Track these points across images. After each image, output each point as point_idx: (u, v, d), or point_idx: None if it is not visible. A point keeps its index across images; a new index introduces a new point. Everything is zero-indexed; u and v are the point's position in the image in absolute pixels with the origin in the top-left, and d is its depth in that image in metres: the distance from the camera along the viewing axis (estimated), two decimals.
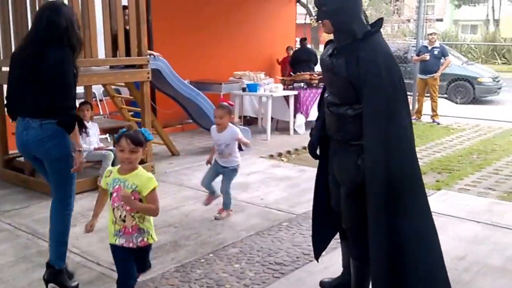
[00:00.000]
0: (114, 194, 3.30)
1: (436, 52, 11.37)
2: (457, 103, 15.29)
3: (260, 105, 10.36)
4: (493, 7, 38.94)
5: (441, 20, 41.74)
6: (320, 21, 3.13)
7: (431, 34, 11.79)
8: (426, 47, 11.53)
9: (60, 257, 3.75)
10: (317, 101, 10.10)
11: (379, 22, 3.14)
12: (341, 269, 3.74)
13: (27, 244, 4.67)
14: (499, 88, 16.23)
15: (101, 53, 6.38)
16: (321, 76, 10.49)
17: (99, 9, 6.25)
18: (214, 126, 5.23)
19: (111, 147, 6.65)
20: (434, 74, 11.33)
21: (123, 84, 7.71)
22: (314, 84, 10.36)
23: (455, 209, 5.54)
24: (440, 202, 5.78)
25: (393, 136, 2.99)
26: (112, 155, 6.25)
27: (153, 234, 3.38)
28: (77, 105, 6.69)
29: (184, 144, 8.62)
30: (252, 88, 9.65)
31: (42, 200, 5.81)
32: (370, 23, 3.15)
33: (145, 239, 3.33)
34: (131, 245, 3.31)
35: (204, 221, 5.20)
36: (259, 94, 9.75)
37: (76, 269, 4.15)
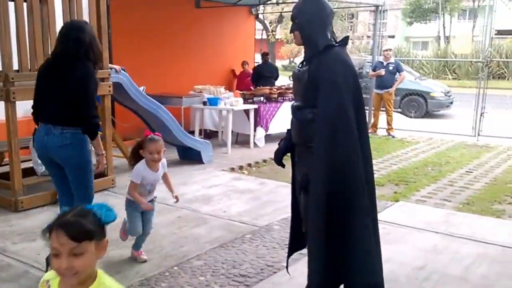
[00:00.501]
0: None
1: (391, 68, 11.65)
2: (411, 117, 15.66)
3: (220, 119, 10.42)
4: (444, 25, 40.08)
5: (393, 36, 42.74)
6: (291, 33, 3.38)
7: (386, 50, 12.08)
8: (382, 62, 11.81)
9: None
10: (276, 114, 10.25)
11: (345, 39, 3.41)
12: (306, 281, 3.79)
13: None
14: (451, 103, 16.74)
15: None
16: (280, 91, 10.64)
17: (60, 22, 6.19)
18: (144, 165, 4.23)
19: None
20: (390, 89, 11.62)
21: None
22: (274, 98, 10.47)
23: (414, 220, 5.67)
24: (399, 213, 5.92)
25: (339, 143, 3.11)
26: None
27: None
28: None
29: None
30: (213, 102, 9.70)
31: (1, 214, 5.72)
32: (337, 40, 3.37)
33: None
34: None
35: (167, 234, 5.20)
36: (220, 108, 9.81)
37: (38, 284, 4.04)
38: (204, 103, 9.86)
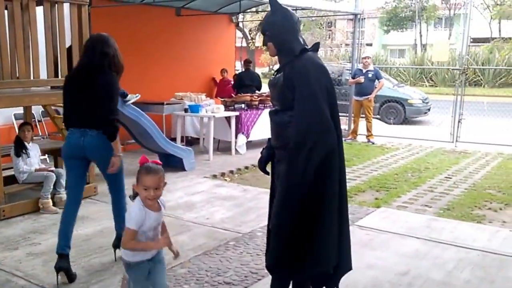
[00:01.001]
0: None
1: (370, 75, 11.76)
2: (390, 123, 15.81)
3: (201, 126, 10.41)
4: (420, 33, 40.55)
5: (370, 44, 43.16)
6: (264, 45, 3.51)
7: (365, 57, 12.17)
8: (361, 70, 11.91)
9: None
10: (258, 121, 10.26)
11: (316, 45, 3.56)
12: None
13: None
14: (428, 109, 16.92)
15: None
16: (261, 98, 10.67)
17: (41, 30, 6.17)
18: (140, 205, 3.18)
19: (53, 168, 6.54)
20: (369, 96, 11.73)
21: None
22: (255, 105, 10.50)
23: (395, 226, 5.73)
24: (380, 219, 5.97)
25: (317, 144, 3.21)
26: (54, 177, 6.15)
27: None
28: (17, 126, 6.59)
29: (127, 164, 8.29)
30: (194, 109, 9.70)
31: None
32: (308, 46, 3.51)
33: None
34: None
35: None
36: (202, 115, 9.81)
37: None
38: (186, 110, 9.85)
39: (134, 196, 3.23)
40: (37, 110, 8.55)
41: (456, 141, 11.60)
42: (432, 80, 31.49)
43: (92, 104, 4.28)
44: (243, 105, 10.25)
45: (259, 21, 20.53)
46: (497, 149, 10.99)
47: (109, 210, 6.00)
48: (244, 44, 29.82)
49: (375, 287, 4.21)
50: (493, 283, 4.33)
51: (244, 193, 7.07)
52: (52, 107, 7.94)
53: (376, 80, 11.88)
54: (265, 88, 13.97)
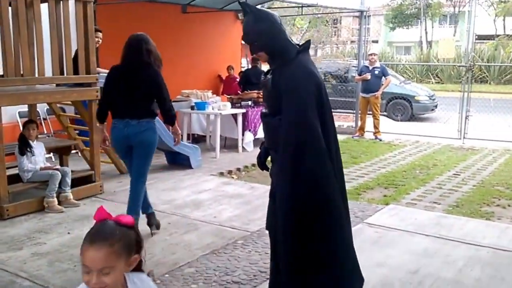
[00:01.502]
0: None
1: (377, 72, 11.70)
2: (397, 120, 15.73)
3: (208, 123, 10.35)
4: (426, 30, 40.43)
5: (376, 41, 43.05)
6: (254, 54, 3.40)
7: (371, 54, 12.12)
8: (368, 67, 11.84)
9: (137, 212, 5.02)
10: None
11: (307, 43, 3.48)
12: None
13: None
14: (435, 106, 16.82)
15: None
16: None
17: (46, 26, 6.12)
18: None
19: (58, 166, 6.49)
20: (376, 93, 11.65)
21: (68, 102, 7.56)
22: (261, 102, 10.43)
23: (405, 223, 5.65)
24: (390, 217, 5.90)
25: (305, 153, 3.11)
26: (60, 175, 6.10)
27: None
28: (21, 124, 6.55)
29: None
30: (201, 106, 9.65)
31: None
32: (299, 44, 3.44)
33: None
34: None
35: (157, 241, 5.12)
36: (208, 112, 9.76)
37: None
38: (192, 108, 9.81)
39: None
40: (41, 108, 8.52)
41: (464, 137, 11.51)
42: (438, 77, 31.38)
43: (138, 97, 4.82)
44: (249, 102, 10.19)
45: None
46: (504, 145, 10.92)
47: (115, 208, 6.01)
48: None
49: (385, 286, 4.14)
50: (503, 281, 4.26)
51: (252, 190, 7.01)
52: (58, 105, 7.92)
53: (383, 77, 11.82)
54: None
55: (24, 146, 6.15)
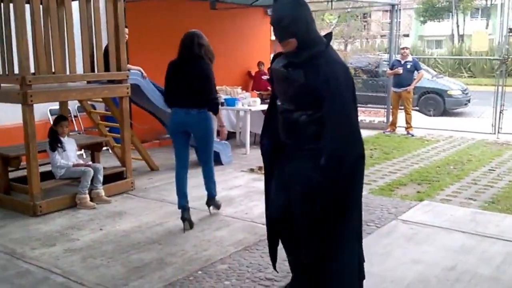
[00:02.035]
0: None
1: (409, 66, 11.52)
2: (429, 115, 15.49)
3: (238, 119, 10.33)
4: (457, 23, 39.81)
5: (407, 35, 42.52)
6: (283, 41, 3.22)
7: (403, 48, 11.94)
8: (399, 61, 11.66)
9: (214, 189, 5.75)
10: None
11: (330, 35, 3.38)
12: None
13: (5, 265, 4.49)
14: (468, 100, 16.53)
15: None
16: None
17: (77, 24, 6.15)
18: None
19: (90, 163, 6.52)
20: (408, 87, 11.47)
21: (99, 99, 7.60)
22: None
23: (440, 220, 5.55)
24: (424, 213, 5.79)
25: (349, 147, 3.13)
26: (92, 172, 6.12)
27: None
28: (52, 120, 6.62)
29: (162, 159, 8.49)
30: (231, 102, 9.62)
31: (19, 219, 5.65)
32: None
33: None
34: None
35: (189, 237, 5.10)
36: (238, 108, 9.72)
37: None
38: (222, 104, 9.77)
39: None
40: (72, 105, 8.59)
41: (498, 132, 11.29)
42: (471, 71, 30.86)
43: (195, 88, 5.27)
44: None
45: None
46: None
47: (146, 205, 6.13)
48: None
49: (421, 283, 4.06)
50: None
51: None
52: (88, 102, 7.97)
53: (415, 71, 11.63)
54: None
55: (54, 142, 6.19)
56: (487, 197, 6.65)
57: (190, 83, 5.29)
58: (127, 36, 6.97)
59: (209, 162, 5.69)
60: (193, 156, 8.53)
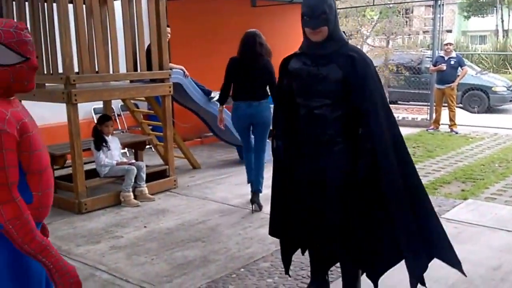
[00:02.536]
0: None
1: (452, 62, 11.30)
2: (474, 112, 15.18)
3: None
4: (502, 18, 38.90)
5: (450, 31, 41.75)
6: (316, 28, 3.25)
7: (447, 44, 11.72)
8: (443, 57, 11.45)
9: (261, 184, 5.91)
10: None
11: (344, 33, 3.73)
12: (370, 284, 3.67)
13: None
14: None
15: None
16: None
17: (120, 24, 6.24)
18: None
19: (133, 161, 6.61)
20: (451, 84, 11.25)
21: (142, 98, 7.70)
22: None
23: (485, 219, 5.45)
24: (468, 212, 5.69)
25: (391, 124, 3.28)
26: (135, 170, 6.21)
27: None
28: (96, 119, 6.73)
29: (204, 157, 8.56)
30: (269, 99, 9.58)
31: (64, 216, 5.76)
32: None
33: None
34: None
35: (232, 235, 5.13)
36: None
37: (104, 287, 4.10)
38: None
39: None
40: (116, 104, 8.72)
41: None
42: None
43: (258, 83, 5.74)
44: None
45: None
46: None
47: (189, 203, 6.19)
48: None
49: (466, 282, 3.98)
50: None
51: None
52: (132, 101, 8.08)
53: (459, 68, 11.41)
54: None
55: (99, 141, 6.29)
56: None
57: (254, 79, 5.75)
58: (169, 35, 7.05)
59: (263, 151, 6.02)
60: (234, 154, 8.63)
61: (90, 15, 5.90)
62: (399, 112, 14.37)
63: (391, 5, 15.55)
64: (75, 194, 5.91)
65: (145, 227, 5.42)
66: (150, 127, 8.15)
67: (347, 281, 3.55)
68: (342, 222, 3.32)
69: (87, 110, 8.59)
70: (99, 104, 8.09)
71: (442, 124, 11.73)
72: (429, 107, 12.42)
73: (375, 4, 14.15)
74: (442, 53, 11.68)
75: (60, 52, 5.78)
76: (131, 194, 6.17)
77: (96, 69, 6.06)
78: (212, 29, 10.54)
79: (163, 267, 4.39)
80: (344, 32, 3.51)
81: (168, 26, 6.85)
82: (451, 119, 11.42)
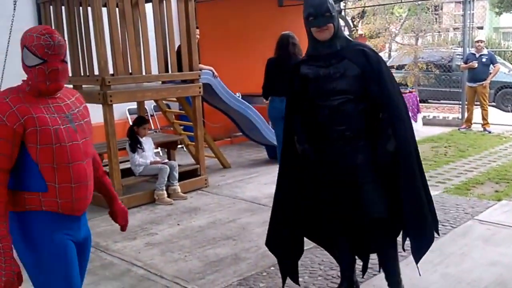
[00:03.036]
0: None
1: (484, 60, 11.11)
2: (507, 111, 14.89)
3: None
4: None
5: (481, 28, 41.12)
6: (322, 26, 3.34)
7: (478, 41, 11.53)
8: (474, 54, 11.28)
9: None
10: None
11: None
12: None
13: (90, 257, 4.68)
14: None
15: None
16: None
17: (151, 25, 6.34)
18: None
19: (166, 161, 6.72)
20: (483, 82, 11.07)
21: (173, 98, 7.79)
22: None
23: None
24: (503, 213, 5.60)
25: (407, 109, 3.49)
26: (168, 169, 6.31)
27: None
28: (131, 121, 6.84)
29: (234, 157, 8.64)
30: None
31: (102, 213, 5.85)
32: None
33: None
34: None
35: (262, 234, 5.10)
36: None
37: (140, 282, 4.19)
38: None
39: None
40: (149, 104, 8.84)
41: None
42: None
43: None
44: None
45: (362, 8, 20.05)
46: None
47: (219, 201, 6.29)
48: (347, 32, 29.27)
49: (499, 286, 3.95)
50: None
51: None
52: (164, 102, 8.18)
53: (491, 65, 11.22)
54: None
55: (134, 143, 6.42)
56: None
57: (285, 76, 5.87)
58: (198, 36, 7.13)
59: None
60: (263, 154, 8.68)
61: (123, 18, 6.01)
62: (430, 111, 14.24)
63: (419, 2, 15.37)
64: None
65: (178, 224, 5.52)
66: (182, 127, 8.25)
67: (391, 266, 3.64)
68: (388, 212, 3.40)
69: (122, 111, 8.73)
70: (133, 105, 8.22)
71: (474, 123, 11.54)
72: (460, 106, 12.26)
73: (403, 1, 14.01)
74: (473, 50, 11.50)
75: (95, 54, 5.90)
76: (165, 192, 6.28)
77: (130, 71, 6.16)
78: (240, 29, 10.60)
79: (195, 264, 4.47)
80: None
81: (197, 28, 6.93)
82: (484, 118, 11.23)
